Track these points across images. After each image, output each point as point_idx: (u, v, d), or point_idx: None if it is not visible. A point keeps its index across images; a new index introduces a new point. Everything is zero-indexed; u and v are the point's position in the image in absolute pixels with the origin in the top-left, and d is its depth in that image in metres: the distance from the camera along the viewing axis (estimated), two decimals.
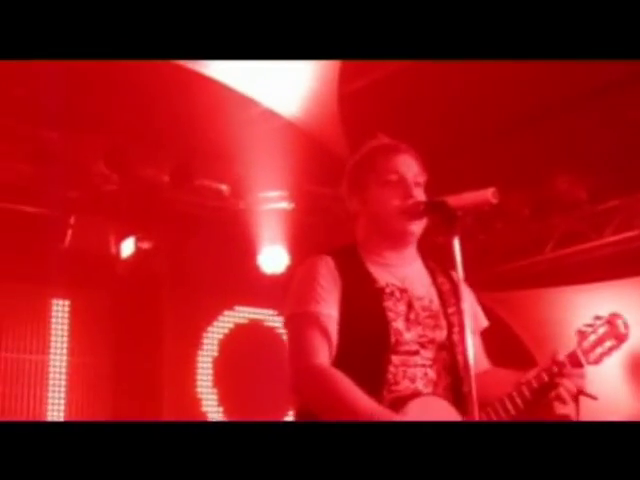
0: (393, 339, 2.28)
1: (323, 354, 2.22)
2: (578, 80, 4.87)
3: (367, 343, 2.28)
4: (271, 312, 6.55)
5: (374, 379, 2.23)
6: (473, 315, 2.41)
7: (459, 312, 2.25)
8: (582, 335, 2.41)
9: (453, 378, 2.37)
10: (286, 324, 2.39)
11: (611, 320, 2.44)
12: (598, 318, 2.46)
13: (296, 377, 2.27)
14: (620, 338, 2.44)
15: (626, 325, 2.46)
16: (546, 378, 2.31)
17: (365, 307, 2.33)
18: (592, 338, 2.39)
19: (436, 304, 2.40)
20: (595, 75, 4.73)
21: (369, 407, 2.12)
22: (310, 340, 2.24)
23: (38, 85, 4.25)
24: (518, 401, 2.29)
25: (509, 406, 2.27)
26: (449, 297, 2.45)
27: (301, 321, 2.28)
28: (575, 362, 2.33)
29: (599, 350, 2.41)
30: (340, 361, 2.23)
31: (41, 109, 4.58)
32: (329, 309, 2.26)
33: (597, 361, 2.39)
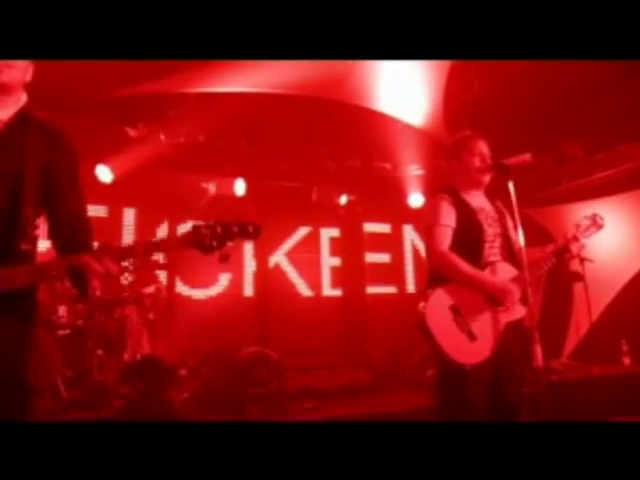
0: (484, 235, 2.86)
1: (446, 244, 2.83)
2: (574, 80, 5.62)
3: (471, 238, 2.86)
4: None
5: (477, 256, 2.83)
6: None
7: (505, 219, 2.97)
8: (578, 225, 2.96)
9: (510, 252, 2.92)
10: (426, 231, 2.91)
11: (593, 217, 2.99)
12: (586, 216, 2.99)
13: (434, 260, 2.82)
14: (598, 226, 2.97)
15: (602, 219, 2.99)
16: (562, 247, 2.90)
17: (468, 219, 2.88)
18: (583, 225, 2.95)
19: (496, 216, 2.96)
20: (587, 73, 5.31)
21: (476, 272, 2.76)
22: (440, 237, 2.84)
23: None
24: (548, 262, 2.87)
25: (543, 265, 2.87)
26: (501, 213, 2.98)
27: (436, 228, 2.86)
28: (576, 238, 2.91)
29: (588, 232, 2.96)
30: (454, 248, 2.82)
31: None
32: (450, 222, 2.86)
33: (587, 237, 2.92)
